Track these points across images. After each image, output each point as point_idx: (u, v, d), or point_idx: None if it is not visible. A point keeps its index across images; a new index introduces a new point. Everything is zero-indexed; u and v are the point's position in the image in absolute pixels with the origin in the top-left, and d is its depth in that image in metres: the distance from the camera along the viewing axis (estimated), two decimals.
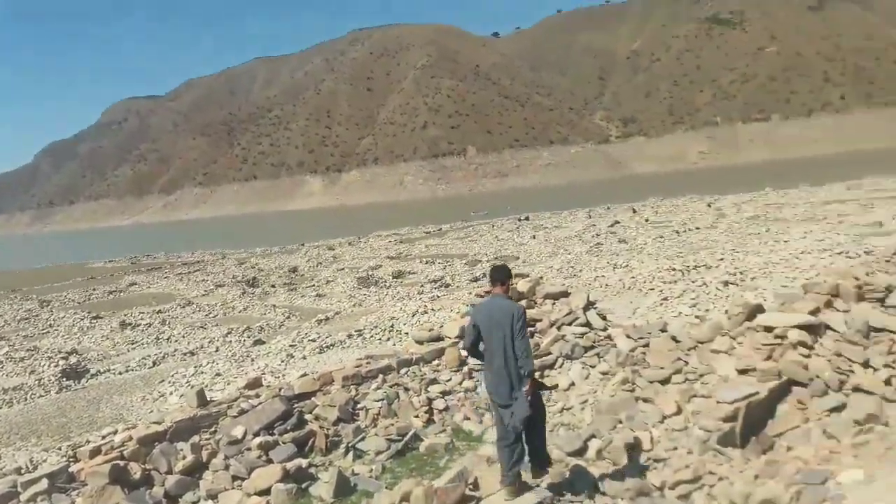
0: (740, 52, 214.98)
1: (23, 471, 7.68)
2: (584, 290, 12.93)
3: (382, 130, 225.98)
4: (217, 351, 17.04)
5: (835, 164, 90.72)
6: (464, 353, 9.15)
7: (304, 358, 14.89)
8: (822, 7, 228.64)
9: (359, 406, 8.60)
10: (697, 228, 31.04)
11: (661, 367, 8.06)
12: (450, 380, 9.40)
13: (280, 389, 8.62)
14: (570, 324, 10.08)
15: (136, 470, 6.98)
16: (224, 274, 34.53)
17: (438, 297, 21.14)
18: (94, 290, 33.47)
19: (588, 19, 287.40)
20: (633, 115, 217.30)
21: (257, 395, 8.47)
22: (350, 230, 61.01)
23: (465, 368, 9.60)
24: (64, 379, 15.33)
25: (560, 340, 9.83)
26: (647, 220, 38.08)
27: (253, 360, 15.37)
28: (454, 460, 7.35)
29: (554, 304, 10.83)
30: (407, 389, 8.99)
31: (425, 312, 17.87)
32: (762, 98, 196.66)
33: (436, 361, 9.83)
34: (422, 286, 23.90)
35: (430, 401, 8.85)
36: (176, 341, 19.05)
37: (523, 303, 10.56)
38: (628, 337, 9.32)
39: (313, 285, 27.76)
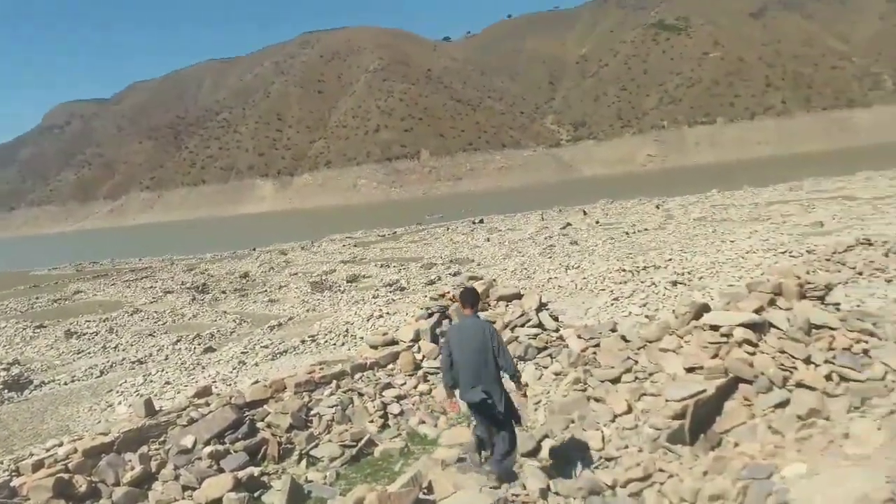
0: (685, 58, 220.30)
1: None
2: (537, 292, 13.06)
3: (335, 133, 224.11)
4: (166, 359, 16.64)
5: (777, 166, 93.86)
6: (431, 363, 9.38)
7: (257, 365, 14.67)
8: (763, 15, 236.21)
9: (312, 413, 8.51)
10: (646, 230, 31.70)
11: (612, 367, 8.18)
12: (404, 384, 9.38)
13: (231, 397, 8.47)
14: (523, 325, 10.18)
15: (81, 483, 6.76)
16: (173, 280, 33.73)
17: (394, 300, 21.09)
18: (37, 298, 32.30)
19: (537, 25, 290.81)
20: (583, 120, 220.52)
21: (207, 404, 8.30)
22: (303, 234, 60.29)
23: (420, 372, 9.60)
24: (6, 391, 14.77)
25: (514, 342, 9.91)
26: (597, 223, 38.70)
27: (203, 368, 15.05)
28: (409, 464, 7.32)
29: (507, 305, 10.92)
30: (361, 395, 8.94)
31: (381, 316, 17.81)
32: (707, 102, 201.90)
33: (390, 366, 9.80)
34: (377, 290, 23.79)
35: (384, 405, 8.82)
36: (124, 350, 18.54)
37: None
38: (580, 337, 9.45)
39: (265, 291, 27.34)
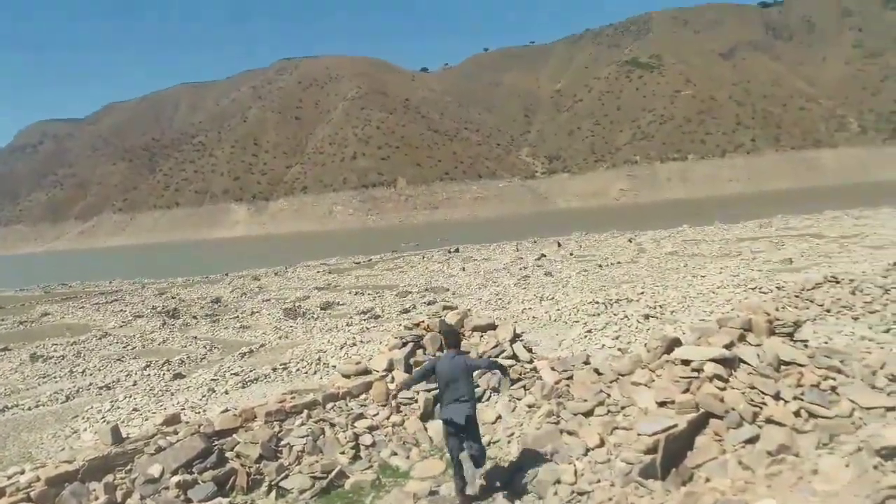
0: (658, 95, 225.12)
1: None
2: (511, 323, 13.10)
3: (311, 160, 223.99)
4: (135, 385, 16.28)
5: (747, 203, 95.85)
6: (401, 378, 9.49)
7: (227, 393, 14.43)
8: (733, 55, 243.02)
9: (282, 443, 8.37)
10: (619, 263, 32.05)
11: (585, 400, 8.21)
12: (377, 414, 9.28)
13: (199, 426, 8.30)
14: (497, 356, 10.16)
15: None
16: (143, 304, 33.16)
17: (368, 328, 20.96)
18: (2, 320, 31.48)
19: (514, 59, 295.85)
20: (558, 153, 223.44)
21: (175, 432, 8.12)
22: (277, 260, 59.85)
23: (393, 403, 9.50)
24: None
25: (488, 373, 9.89)
26: (571, 254, 39.04)
27: (172, 394, 14.76)
28: (380, 497, 7.24)
29: (482, 336, 10.91)
30: (333, 425, 8.82)
31: (354, 345, 17.68)
32: (679, 138, 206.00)
33: (363, 396, 9.69)
34: (351, 318, 23.64)
35: (356, 436, 8.71)
36: (91, 375, 18.09)
37: None
38: (553, 369, 9.47)
39: (237, 317, 27.01)
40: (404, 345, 10.59)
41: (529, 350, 10.72)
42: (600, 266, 31.23)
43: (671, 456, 6.75)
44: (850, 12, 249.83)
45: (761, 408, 7.07)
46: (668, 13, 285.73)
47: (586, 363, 9.54)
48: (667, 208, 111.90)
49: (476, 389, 9.51)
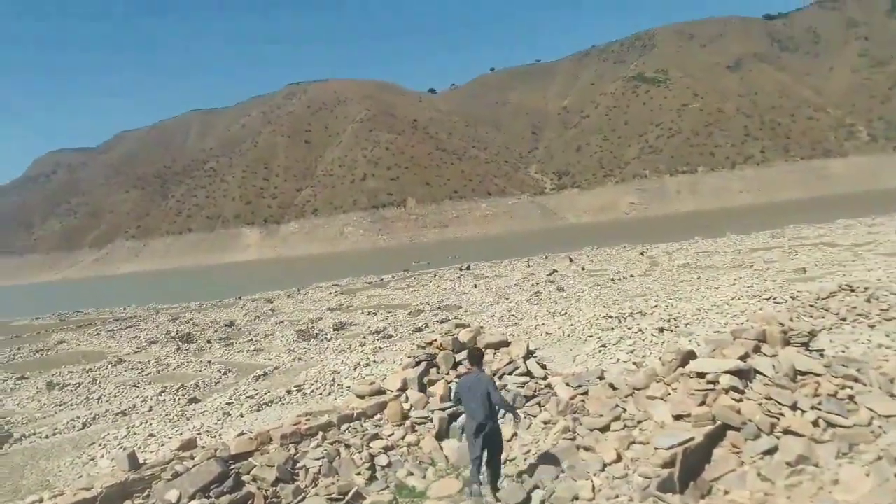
0: (665, 109, 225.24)
1: None
2: (524, 340, 13.07)
3: (321, 182, 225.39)
4: (150, 410, 16.33)
5: (758, 214, 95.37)
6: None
7: (242, 416, 14.44)
8: (740, 67, 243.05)
9: (298, 465, 8.37)
10: (632, 276, 31.92)
11: (601, 415, 8.18)
12: (392, 434, 9.27)
13: (216, 450, 8.33)
14: (511, 373, 10.16)
15: None
16: (157, 330, 33.35)
17: (381, 348, 20.95)
18: (18, 349, 31.76)
19: (520, 78, 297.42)
20: (566, 169, 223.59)
21: (192, 457, 8.15)
22: (289, 282, 60.08)
23: (408, 422, 9.49)
24: None
25: (502, 390, 9.86)
26: (583, 269, 38.94)
27: (188, 419, 14.79)
28: None
29: (495, 353, 10.90)
30: (348, 446, 8.82)
31: (367, 365, 17.68)
32: (687, 151, 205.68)
33: (378, 416, 9.69)
34: (364, 338, 23.65)
35: (372, 457, 8.70)
36: (107, 401, 18.15)
37: (465, 352, 10.64)
38: (568, 385, 9.45)
39: (251, 340, 27.09)
40: (417, 364, 10.60)
41: (543, 366, 10.69)
42: (613, 280, 31.12)
43: (689, 469, 6.72)
44: (855, 22, 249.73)
45: (778, 419, 7.03)
46: (673, 28, 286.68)
47: (601, 378, 9.53)
48: (677, 221, 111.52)
49: None
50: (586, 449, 7.65)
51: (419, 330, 24.00)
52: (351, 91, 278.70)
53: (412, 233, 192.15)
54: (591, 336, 17.41)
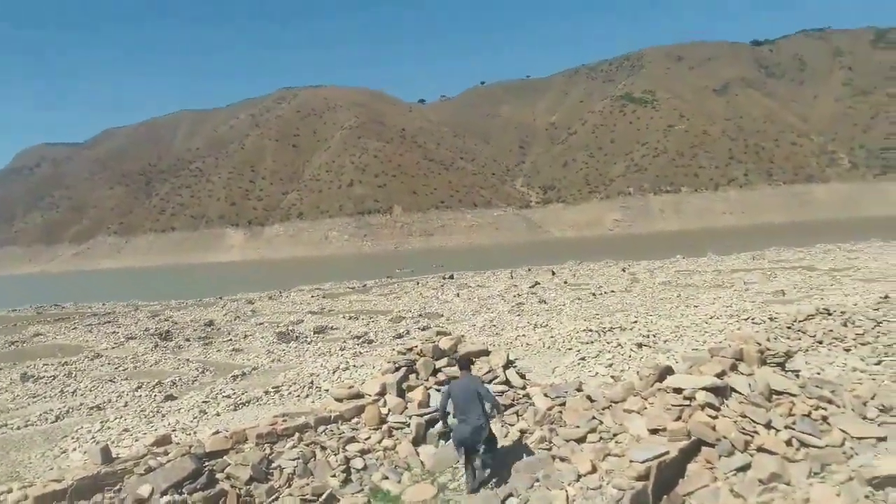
0: (651, 129, 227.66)
1: None
2: (504, 349, 13.11)
3: (308, 186, 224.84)
4: (125, 406, 16.15)
5: (740, 236, 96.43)
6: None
7: (218, 415, 14.33)
8: (726, 91, 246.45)
9: (273, 465, 8.32)
10: (613, 292, 32.12)
11: (577, 426, 8.22)
12: (369, 438, 9.23)
13: (190, 447, 8.24)
14: (490, 382, 10.16)
15: None
16: (136, 326, 32.99)
17: (361, 353, 20.91)
18: None
19: (509, 92, 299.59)
20: (552, 183, 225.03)
21: (166, 453, 8.06)
22: (272, 284, 59.72)
23: (385, 426, 9.47)
24: None
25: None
26: (565, 283, 39.12)
27: (163, 416, 14.65)
28: None
29: (475, 362, 10.90)
30: (324, 448, 8.78)
31: (347, 369, 17.64)
32: (672, 171, 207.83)
33: (355, 419, 9.65)
34: (344, 342, 23.57)
35: (347, 460, 8.66)
36: (82, 395, 17.91)
37: (445, 359, 10.65)
38: (546, 396, 9.48)
39: (230, 340, 26.88)
40: (397, 369, 10.57)
41: (523, 376, 10.72)
42: (594, 294, 31.29)
43: (663, 483, 6.76)
44: (840, 51, 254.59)
45: (753, 436, 7.10)
46: (662, 49, 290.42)
47: (579, 390, 9.57)
48: (660, 240, 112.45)
49: None
50: (562, 459, 7.68)
51: (400, 336, 23.96)
52: (341, 98, 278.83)
53: (397, 240, 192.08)
54: (570, 349, 17.50)
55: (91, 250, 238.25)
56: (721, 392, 7.78)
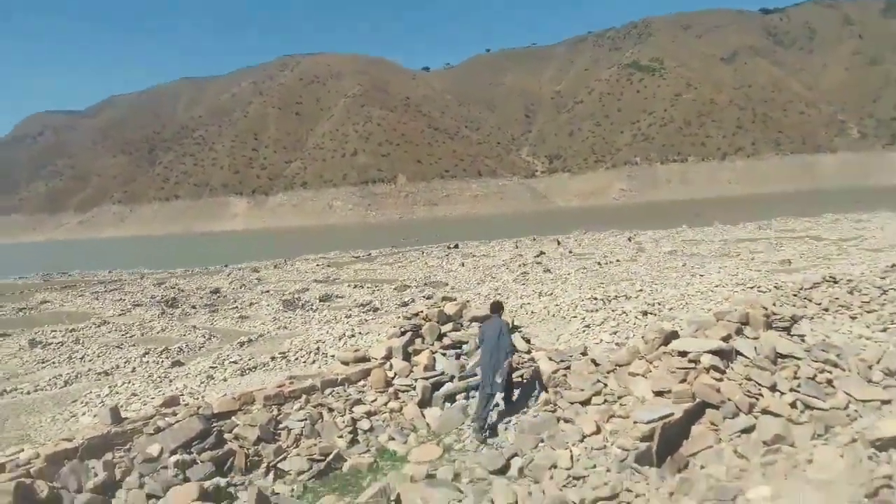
0: (658, 98, 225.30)
1: None
2: (509, 316, 13.14)
3: (311, 155, 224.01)
4: (133, 371, 16.31)
5: (746, 205, 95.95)
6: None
7: (225, 380, 14.46)
8: (734, 60, 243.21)
9: (281, 426, 8.42)
10: (618, 261, 32.06)
11: (582, 389, 8.26)
12: (375, 400, 9.33)
13: (198, 408, 8.34)
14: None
15: (42, 488, 6.55)
16: (142, 294, 33.18)
17: (366, 321, 20.99)
18: (1, 307, 31.51)
19: (515, 60, 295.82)
20: (558, 153, 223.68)
21: (174, 414, 8.16)
22: (276, 253, 59.86)
23: (391, 389, 9.56)
24: None
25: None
26: (571, 252, 39.08)
27: (171, 381, 14.79)
28: (377, 480, 7.29)
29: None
30: (331, 410, 8.87)
31: (352, 336, 17.72)
32: (679, 141, 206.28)
33: (361, 382, 9.74)
34: (350, 310, 23.65)
35: (354, 421, 8.76)
36: (90, 361, 18.10)
37: (450, 324, 10.70)
38: (550, 359, 9.52)
39: (236, 307, 27.02)
40: (403, 333, 10.64)
41: (528, 341, 10.78)
42: (599, 264, 31.26)
43: (667, 444, 6.81)
44: (850, 20, 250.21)
45: (757, 399, 7.12)
46: (670, 17, 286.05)
47: (584, 354, 9.61)
48: (666, 209, 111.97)
49: (474, 378, 9.68)
50: (567, 421, 7.74)
51: (405, 304, 24.00)
52: (344, 65, 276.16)
53: (401, 210, 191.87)
54: (575, 317, 17.51)
55: (95, 219, 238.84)
56: (726, 355, 7.79)
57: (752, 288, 18.68)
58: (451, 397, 9.48)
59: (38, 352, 19.76)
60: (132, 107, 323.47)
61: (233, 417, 8.36)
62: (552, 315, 18.26)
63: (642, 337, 9.45)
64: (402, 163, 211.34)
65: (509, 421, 8.49)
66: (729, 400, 7.15)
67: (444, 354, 10.31)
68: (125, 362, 17.21)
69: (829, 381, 7.30)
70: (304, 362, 15.46)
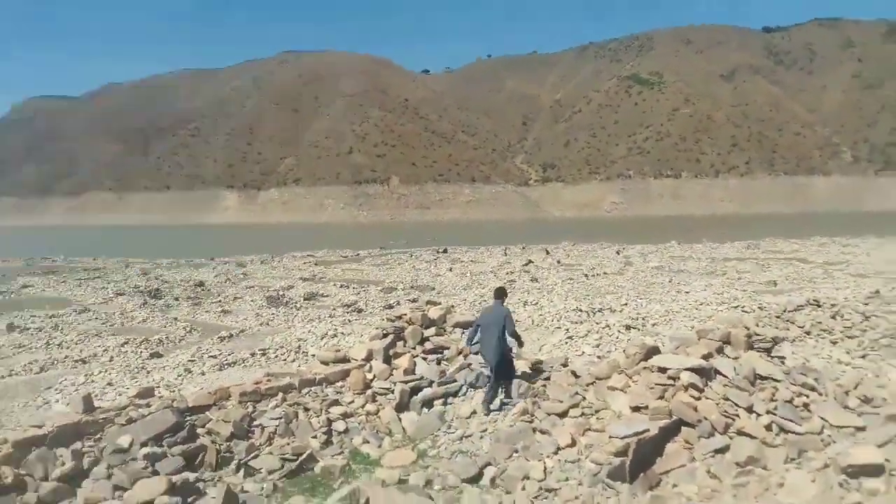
0: (656, 112, 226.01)
1: None
2: None
3: (306, 152, 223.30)
4: (111, 361, 16.13)
5: (737, 224, 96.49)
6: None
7: (203, 374, 14.34)
8: (733, 77, 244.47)
9: (255, 423, 8.35)
10: (605, 274, 32.13)
11: (560, 401, 8.25)
12: (352, 402, 9.27)
13: (173, 401, 8.26)
14: (476, 353, 10.19)
15: (7, 474, 6.46)
16: (126, 283, 32.92)
17: (350, 321, 20.90)
18: None
19: (515, 67, 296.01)
20: (553, 162, 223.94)
21: (148, 405, 8.07)
22: (264, 248, 59.59)
23: (369, 391, 9.50)
24: None
25: (465, 369, 9.93)
26: (559, 262, 39.14)
27: (148, 372, 14.66)
28: (349, 482, 7.23)
29: (463, 332, 10.93)
30: (307, 409, 8.81)
31: (335, 335, 17.65)
32: (674, 156, 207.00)
33: (340, 383, 9.69)
34: (334, 309, 23.54)
35: (329, 422, 8.70)
36: (68, 348, 17.89)
37: (433, 329, 10.66)
38: (531, 369, 9.52)
39: (219, 301, 26.83)
40: (385, 336, 10.59)
41: (509, 350, 10.74)
42: (586, 276, 31.30)
43: (641, 460, 6.80)
44: (851, 43, 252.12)
45: (734, 419, 7.13)
46: (672, 31, 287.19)
47: (564, 365, 9.61)
48: (657, 224, 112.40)
49: (453, 384, 9.64)
50: (542, 432, 7.72)
51: (390, 306, 23.90)
52: (344, 64, 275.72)
53: (393, 211, 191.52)
54: (559, 327, 17.50)
55: (85, 205, 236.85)
56: (706, 374, 7.80)
57: (736, 307, 18.76)
58: (429, 403, 9.44)
59: (15, 336, 19.51)
60: (129, 95, 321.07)
61: (207, 412, 8.28)
62: (536, 325, 18.24)
63: (623, 351, 9.46)
64: (397, 164, 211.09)
65: (485, 430, 8.45)
66: (705, 419, 7.16)
67: (425, 359, 10.27)
68: (103, 351, 17.03)
69: (806, 405, 7.32)
70: (285, 360, 15.37)
